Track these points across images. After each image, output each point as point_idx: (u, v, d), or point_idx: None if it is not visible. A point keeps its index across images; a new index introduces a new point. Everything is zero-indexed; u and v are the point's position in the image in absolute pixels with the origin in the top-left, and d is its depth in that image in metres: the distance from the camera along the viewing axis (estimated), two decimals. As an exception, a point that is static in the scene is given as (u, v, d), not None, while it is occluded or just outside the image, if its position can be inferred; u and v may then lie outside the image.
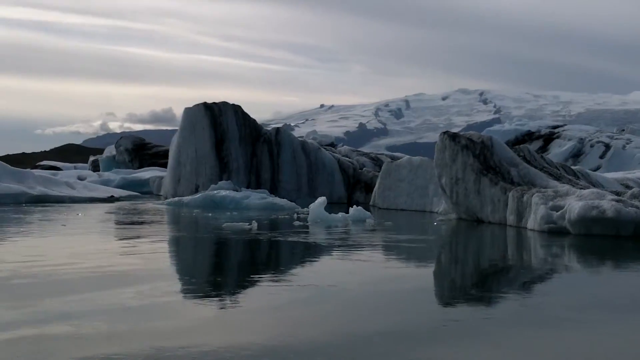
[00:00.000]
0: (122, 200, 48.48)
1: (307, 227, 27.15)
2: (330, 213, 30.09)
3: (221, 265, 17.31)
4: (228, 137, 52.27)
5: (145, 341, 8.25)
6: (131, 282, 12.69)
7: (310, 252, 19.33)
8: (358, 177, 56.24)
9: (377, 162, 63.04)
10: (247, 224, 25.93)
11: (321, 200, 30.36)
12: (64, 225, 25.71)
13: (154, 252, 18.29)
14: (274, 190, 50.70)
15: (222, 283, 13.53)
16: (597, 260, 19.03)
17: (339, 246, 20.41)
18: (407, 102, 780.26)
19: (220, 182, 47.18)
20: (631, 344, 8.81)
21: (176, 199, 43.23)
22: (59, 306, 10.29)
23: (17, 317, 9.50)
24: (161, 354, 7.73)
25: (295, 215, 32.40)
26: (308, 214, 30.60)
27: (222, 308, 10.62)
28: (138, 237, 22.47)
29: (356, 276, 14.61)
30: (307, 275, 14.53)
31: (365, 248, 20.28)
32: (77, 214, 32.40)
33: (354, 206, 31.56)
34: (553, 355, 8.04)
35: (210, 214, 33.65)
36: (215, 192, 42.47)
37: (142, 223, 28.20)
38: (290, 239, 22.26)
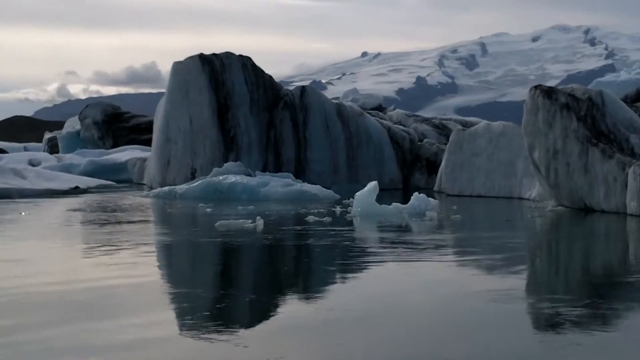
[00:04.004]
0: (91, 193, 48.70)
1: (351, 223, 27.07)
2: (379, 204, 29.95)
3: (229, 280, 17.35)
4: (234, 102, 52.15)
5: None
6: (108, 308, 12.78)
7: (353, 259, 19.23)
8: (417, 153, 56.15)
9: (442, 130, 62.94)
10: (250, 221, 25.78)
11: (372, 186, 29.90)
12: None
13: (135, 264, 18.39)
14: (300, 174, 50.54)
15: (233, 305, 13.54)
16: None
17: (392, 251, 20.38)
18: (483, 45, 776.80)
19: (226, 164, 47.09)
20: None
21: (166, 188, 43.40)
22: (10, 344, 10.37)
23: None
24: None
25: (338, 209, 32.05)
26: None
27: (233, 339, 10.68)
28: (111, 246, 22.60)
29: (421, 292, 14.59)
30: (354, 293, 14.54)
31: (431, 253, 20.22)
32: (20, 213, 32.31)
33: (416, 193, 31.27)
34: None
35: (209, 210, 33.15)
36: (220, 178, 42.45)
37: (118, 223, 28.28)
38: (323, 241, 22.20)
